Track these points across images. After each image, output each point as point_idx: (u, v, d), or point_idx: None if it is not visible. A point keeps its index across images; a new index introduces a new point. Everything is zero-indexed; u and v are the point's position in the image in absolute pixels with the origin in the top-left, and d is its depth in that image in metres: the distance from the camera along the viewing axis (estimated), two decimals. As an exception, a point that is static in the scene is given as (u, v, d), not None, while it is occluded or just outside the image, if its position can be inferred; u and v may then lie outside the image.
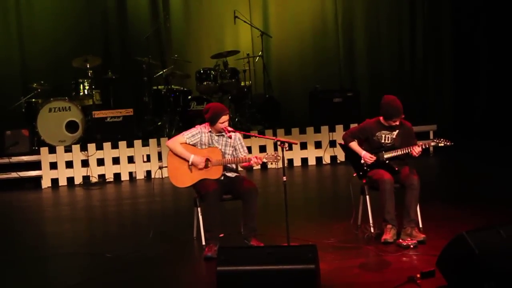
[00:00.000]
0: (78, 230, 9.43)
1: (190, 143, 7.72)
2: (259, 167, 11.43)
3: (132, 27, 14.42)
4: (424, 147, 7.76)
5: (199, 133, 7.75)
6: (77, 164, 12.30)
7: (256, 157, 7.64)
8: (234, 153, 7.81)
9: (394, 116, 7.71)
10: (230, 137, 7.74)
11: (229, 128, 7.70)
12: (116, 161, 12.46)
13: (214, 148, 7.70)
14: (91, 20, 14.32)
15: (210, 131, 7.75)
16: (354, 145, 7.94)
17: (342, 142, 8.05)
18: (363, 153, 7.86)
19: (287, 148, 7.36)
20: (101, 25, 14.43)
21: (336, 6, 14.97)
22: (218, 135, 7.75)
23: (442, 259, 6.02)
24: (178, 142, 7.73)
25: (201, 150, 7.70)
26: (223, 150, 7.72)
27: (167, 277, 7.07)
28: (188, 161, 7.65)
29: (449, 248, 5.97)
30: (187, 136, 7.74)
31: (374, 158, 7.80)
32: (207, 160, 7.64)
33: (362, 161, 7.85)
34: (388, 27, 15.07)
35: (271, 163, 7.71)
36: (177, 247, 8.00)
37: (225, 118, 7.66)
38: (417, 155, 7.71)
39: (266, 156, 7.64)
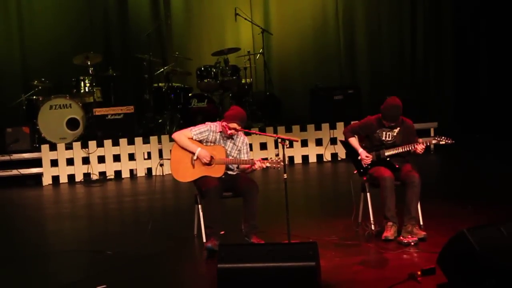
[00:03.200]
0: (79, 227, 9.43)
1: (197, 139, 7.71)
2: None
3: (133, 24, 14.43)
4: (426, 144, 7.77)
5: (207, 131, 7.73)
6: (78, 161, 12.31)
7: (260, 161, 7.62)
8: (238, 155, 7.80)
9: (387, 119, 7.74)
10: (230, 135, 7.71)
11: (230, 125, 7.67)
12: (116, 158, 12.46)
13: (219, 146, 7.69)
14: (92, 17, 14.32)
15: (220, 132, 7.73)
16: (353, 141, 7.94)
17: (343, 139, 8.05)
18: (360, 150, 7.86)
19: (287, 146, 7.36)
20: (102, 23, 14.44)
21: (337, 3, 14.97)
22: (226, 137, 7.73)
23: (443, 257, 6.02)
24: (185, 135, 7.72)
25: (206, 147, 7.69)
26: (228, 152, 7.71)
27: (168, 274, 7.07)
28: (193, 154, 7.63)
29: (450, 245, 5.97)
30: (194, 132, 7.72)
31: (370, 157, 7.81)
32: (211, 158, 7.63)
33: (359, 158, 7.85)
34: (388, 24, 15.06)
35: (274, 168, 7.67)
36: (177, 244, 7.99)
37: (235, 125, 7.64)
38: (421, 152, 7.72)
39: (270, 161, 7.62)
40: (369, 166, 7.84)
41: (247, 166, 7.75)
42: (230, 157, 7.73)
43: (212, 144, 7.72)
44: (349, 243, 7.56)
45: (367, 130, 7.91)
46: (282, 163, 7.41)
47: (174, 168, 7.79)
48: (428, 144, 7.90)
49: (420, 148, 7.70)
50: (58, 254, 8.02)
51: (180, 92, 13.34)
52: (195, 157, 7.65)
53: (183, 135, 7.74)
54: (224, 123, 7.65)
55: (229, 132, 7.67)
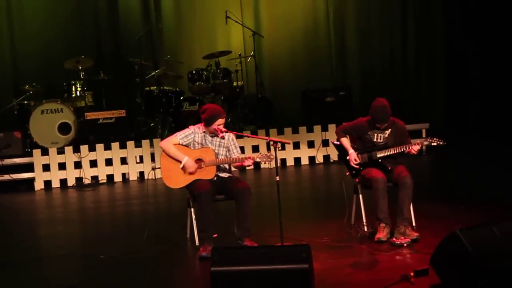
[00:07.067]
0: (72, 231, 9.41)
1: (183, 143, 7.72)
2: (252, 167, 11.47)
3: (124, 28, 14.42)
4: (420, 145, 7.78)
5: (192, 133, 7.75)
6: (70, 165, 12.29)
7: (250, 157, 7.65)
8: (227, 154, 7.82)
9: (379, 122, 7.74)
10: (223, 138, 7.75)
11: (222, 129, 7.70)
12: (109, 162, 12.45)
13: (208, 149, 7.71)
14: (82, 21, 14.30)
15: (204, 132, 7.75)
16: (344, 141, 7.94)
17: (335, 142, 8.06)
18: (350, 151, 7.87)
19: (280, 148, 7.36)
20: (92, 27, 14.42)
21: (328, 5, 15.00)
22: (211, 136, 7.76)
23: (436, 257, 6.03)
24: (171, 143, 7.73)
25: (194, 151, 7.70)
26: (216, 151, 7.72)
27: (161, 278, 7.07)
28: (180, 162, 7.66)
29: (443, 246, 5.98)
30: (180, 137, 7.74)
31: (359, 161, 7.82)
32: (200, 161, 7.64)
33: (347, 158, 7.86)
34: (379, 25, 15.09)
35: (264, 163, 7.71)
36: (170, 248, 7.99)
37: (221, 121, 7.67)
38: (416, 153, 7.73)
39: (259, 155, 7.65)
40: (361, 168, 7.85)
41: (238, 164, 7.77)
42: (220, 156, 7.74)
43: (200, 147, 7.72)
44: (342, 245, 7.56)
45: (359, 131, 7.92)
46: (271, 157, 7.45)
47: (165, 176, 7.80)
48: (420, 145, 7.90)
49: (415, 149, 7.71)
50: (51, 258, 7.99)
51: (172, 95, 13.33)
52: (181, 166, 7.65)
53: (169, 143, 7.74)
54: (215, 127, 7.65)
55: (221, 135, 7.69)
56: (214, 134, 7.74)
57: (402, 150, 7.75)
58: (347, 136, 7.99)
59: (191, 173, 7.65)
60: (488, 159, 11.99)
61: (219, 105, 12.93)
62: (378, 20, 15.08)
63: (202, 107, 7.92)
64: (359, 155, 7.87)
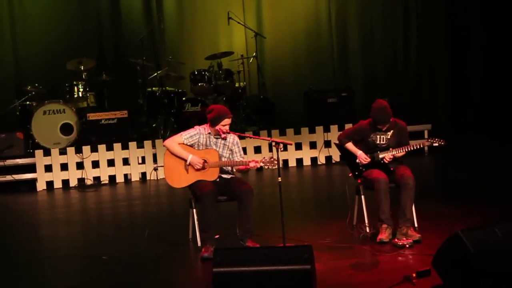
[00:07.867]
0: (74, 232, 9.41)
1: (188, 143, 7.71)
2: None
3: (126, 29, 14.41)
4: (398, 152, 7.77)
5: (197, 134, 7.74)
6: (72, 166, 12.29)
7: (254, 161, 7.64)
8: (231, 156, 7.81)
9: (380, 123, 7.74)
10: (224, 138, 7.73)
11: (224, 129, 7.68)
12: (111, 163, 12.44)
13: (211, 150, 7.70)
14: (84, 22, 14.30)
15: (209, 133, 7.74)
16: (350, 145, 7.95)
17: (338, 142, 8.07)
18: (358, 152, 7.87)
19: (282, 149, 7.37)
20: (95, 27, 14.42)
21: (330, 6, 15.00)
22: (216, 138, 7.75)
23: (438, 258, 6.03)
24: (176, 142, 7.72)
25: (198, 151, 7.69)
26: (220, 153, 7.72)
27: (163, 278, 7.07)
28: (185, 161, 7.65)
29: (445, 247, 5.98)
30: (185, 136, 7.73)
31: (369, 159, 7.81)
32: (204, 162, 7.64)
33: (357, 161, 7.86)
34: (381, 27, 15.09)
35: (268, 167, 7.68)
36: (172, 248, 8.00)
37: (227, 121, 7.66)
38: (387, 161, 7.74)
39: (263, 160, 7.62)
40: (364, 169, 7.85)
41: (241, 167, 7.77)
42: (223, 158, 7.74)
43: (204, 148, 7.72)
44: (344, 246, 7.57)
45: (361, 135, 7.92)
46: (275, 162, 7.44)
47: (168, 175, 7.79)
48: (422, 146, 7.91)
49: (387, 158, 7.74)
50: (53, 259, 8.00)
51: (174, 96, 13.34)
52: (187, 163, 7.65)
53: (174, 142, 7.73)
54: (218, 127, 7.65)
55: (223, 135, 7.68)
56: (218, 135, 7.73)
57: (405, 150, 7.76)
58: (351, 141, 7.99)
59: (197, 169, 7.63)
60: (490, 160, 11.98)
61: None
62: (380, 21, 15.08)
63: (208, 107, 7.91)
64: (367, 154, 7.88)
